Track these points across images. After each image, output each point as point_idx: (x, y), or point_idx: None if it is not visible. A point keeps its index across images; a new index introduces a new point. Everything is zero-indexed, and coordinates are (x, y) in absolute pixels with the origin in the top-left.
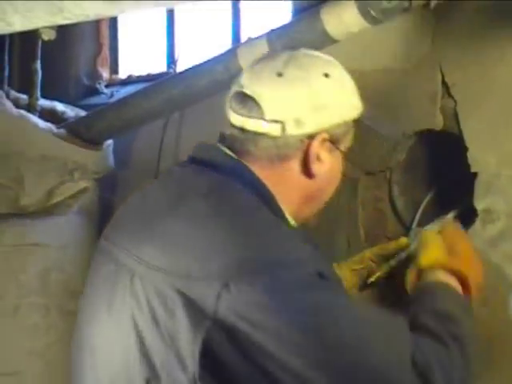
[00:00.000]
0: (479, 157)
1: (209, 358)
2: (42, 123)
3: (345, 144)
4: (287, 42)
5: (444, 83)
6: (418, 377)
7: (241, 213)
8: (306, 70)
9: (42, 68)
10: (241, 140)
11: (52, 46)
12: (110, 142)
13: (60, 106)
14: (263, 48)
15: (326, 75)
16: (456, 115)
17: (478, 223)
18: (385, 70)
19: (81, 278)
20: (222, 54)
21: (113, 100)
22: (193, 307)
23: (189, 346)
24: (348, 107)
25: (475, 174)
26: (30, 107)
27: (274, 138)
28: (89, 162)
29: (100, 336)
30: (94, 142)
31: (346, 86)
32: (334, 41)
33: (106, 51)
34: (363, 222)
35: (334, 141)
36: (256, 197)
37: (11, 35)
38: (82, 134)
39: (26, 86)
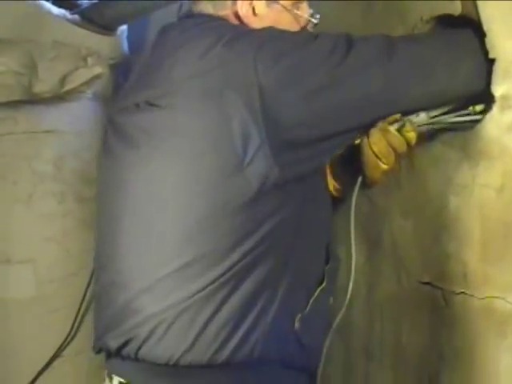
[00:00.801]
0: (497, 42)
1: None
2: (55, 9)
3: None
4: None
5: None
6: None
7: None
8: None
9: None
10: (193, 6)
11: None
12: (123, 27)
13: None
14: None
15: None
16: (474, 0)
17: (495, 109)
18: None
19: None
20: None
21: None
22: (238, 86)
23: (250, 119)
24: None
25: (493, 60)
26: None
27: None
28: (103, 48)
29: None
30: (108, 28)
31: None
32: None
33: None
34: None
35: None
36: None
37: None
38: (96, 19)
39: None
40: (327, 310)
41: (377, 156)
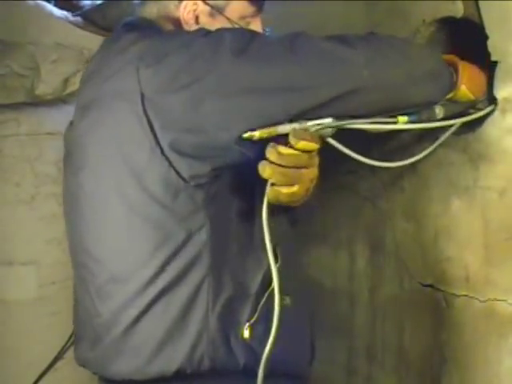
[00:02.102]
0: (500, 45)
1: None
2: (57, 11)
3: (232, 10)
4: None
5: None
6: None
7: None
8: None
9: None
10: (139, 8)
11: None
12: None
13: None
14: None
15: None
16: (476, 2)
17: (497, 112)
18: None
19: None
20: None
21: None
22: (124, 95)
23: (138, 126)
24: None
25: (495, 63)
26: None
27: (155, 2)
28: None
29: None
30: (110, 30)
31: None
32: None
33: None
34: None
35: (213, 6)
36: None
37: None
38: (98, 21)
39: None
40: (282, 312)
41: (272, 183)
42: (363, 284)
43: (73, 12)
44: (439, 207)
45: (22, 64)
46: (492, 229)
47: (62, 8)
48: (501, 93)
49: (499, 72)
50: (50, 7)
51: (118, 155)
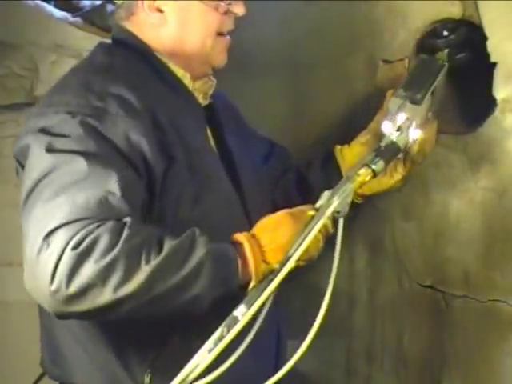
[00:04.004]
0: (499, 46)
1: None
2: (57, 12)
3: None
4: None
5: None
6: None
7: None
8: None
9: None
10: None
11: None
12: None
13: None
14: None
15: None
16: (475, 3)
17: (497, 113)
18: None
19: None
20: None
21: None
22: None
23: None
24: None
25: (495, 64)
26: None
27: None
28: None
29: None
30: (110, 31)
31: None
32: None
33: None
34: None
35: None
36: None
37: None
38: (98, 22)
39: None
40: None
41: None
42: (362, 285)
43: (72, 13)
44: (439, 208)
45: (22, 65)
46: (492, 230)
47: (61, 9)
48: (500, 94)
49: (499, 73)
50: (50, 8)
51: None
